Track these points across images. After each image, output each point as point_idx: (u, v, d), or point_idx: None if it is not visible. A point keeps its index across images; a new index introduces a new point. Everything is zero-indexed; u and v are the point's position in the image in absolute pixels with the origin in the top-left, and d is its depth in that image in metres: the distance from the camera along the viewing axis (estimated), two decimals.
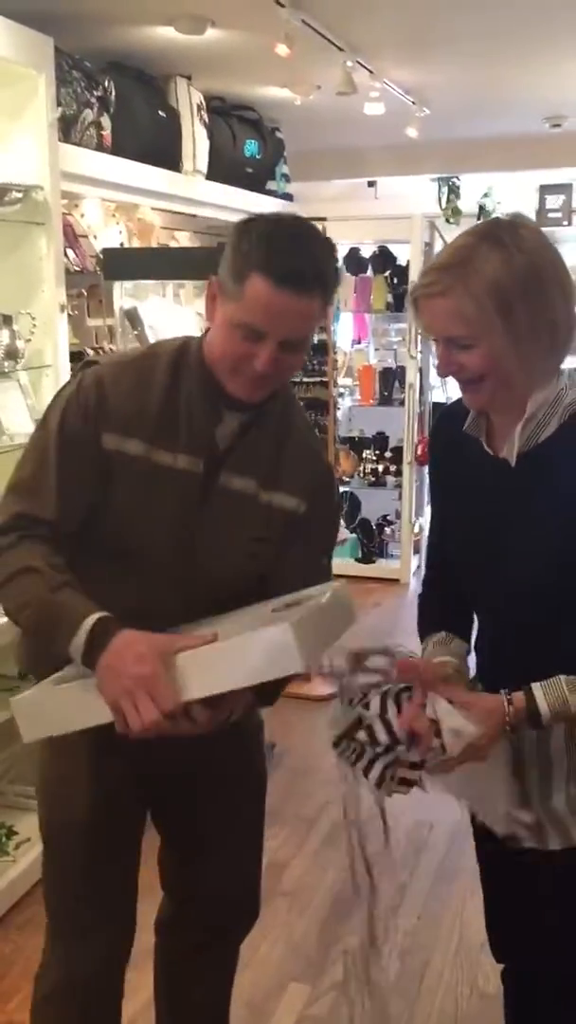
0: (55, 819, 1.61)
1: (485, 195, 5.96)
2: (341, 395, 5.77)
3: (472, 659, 1.54)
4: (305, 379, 4.84)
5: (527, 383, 1.34)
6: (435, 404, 6.13)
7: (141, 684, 1.30)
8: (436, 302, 1.31)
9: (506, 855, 1.44)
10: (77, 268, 3.60)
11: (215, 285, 1.42)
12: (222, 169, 4.25)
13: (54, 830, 1.61)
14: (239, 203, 4.44)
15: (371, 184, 6.12)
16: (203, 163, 4.07)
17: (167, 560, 1.47)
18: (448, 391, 6.44)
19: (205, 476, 1.47)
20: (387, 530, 6.05)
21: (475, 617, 1.55)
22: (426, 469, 6.03)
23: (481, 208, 5.92)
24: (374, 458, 6.03)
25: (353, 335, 6.43)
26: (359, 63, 3.67)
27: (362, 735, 1.34)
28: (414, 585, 5.75)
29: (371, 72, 3.81)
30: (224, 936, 1.77)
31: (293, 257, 1.35)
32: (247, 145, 4.48)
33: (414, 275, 5.47)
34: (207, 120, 4.09)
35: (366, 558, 5.93)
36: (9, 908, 2.59)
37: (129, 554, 1.47)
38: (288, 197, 5.05)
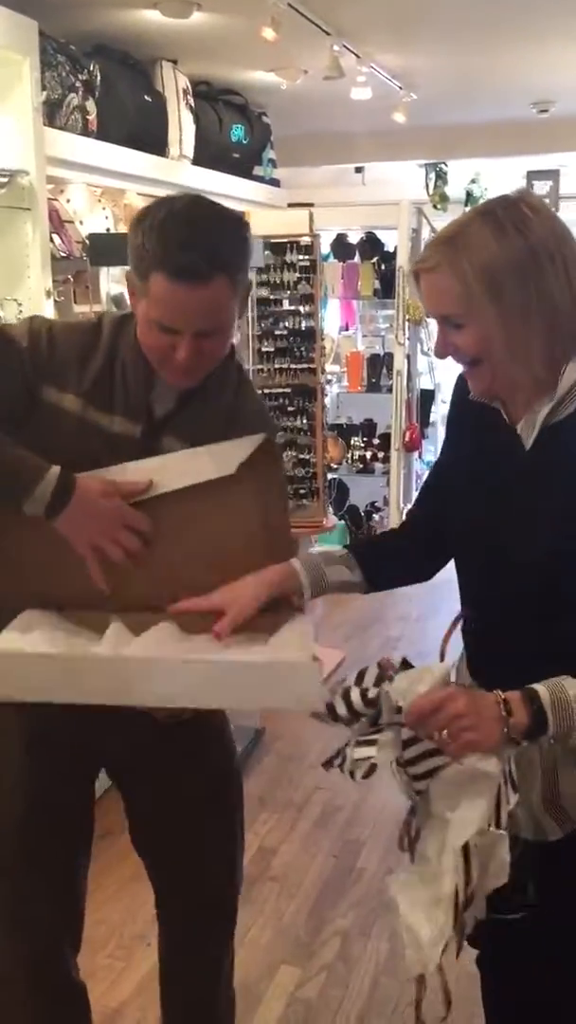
0: None
1: (472, 181, 5.96)
2: (329, 382, 5.76)
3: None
4: (292, 366, 4.81)
5: (523, 367, 1.29)
6: (423, 391, 6.14)
7: (115, 519, 1.38)
8: (429, 278, 1.29)
9: None
10: (63, 254, 3.57)
11: (129, 279, 1.41)
12: (208, 154, 4.23)
13: None
14: (225, 188, 4.41)
15: (358, 170, 6.10)
16: (189, 148, 4.05)
17: None
18: (436, 378, 6.45)
19: (144, 441, 1.47)
20: (375, 517, 6.06)
21: (465, 606, 1.51)
22: (414, 456, 6.05)
23: (468, 194, 5.92)
24: (362, 445, 6.04)
25: (341, 322, 6.43)
26: (346, 47, 3.66)
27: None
28: None
29: (358, 56, 3.80)
30: (206, 933, 1.75)
31: (186, 249, 1.32)
32: (233, 130, 4.45)
33: (402, 262, 5.46)
34: (193, 104, 4.07)
35: None
36: None
37: None
38: (275, 183, 5.02)
